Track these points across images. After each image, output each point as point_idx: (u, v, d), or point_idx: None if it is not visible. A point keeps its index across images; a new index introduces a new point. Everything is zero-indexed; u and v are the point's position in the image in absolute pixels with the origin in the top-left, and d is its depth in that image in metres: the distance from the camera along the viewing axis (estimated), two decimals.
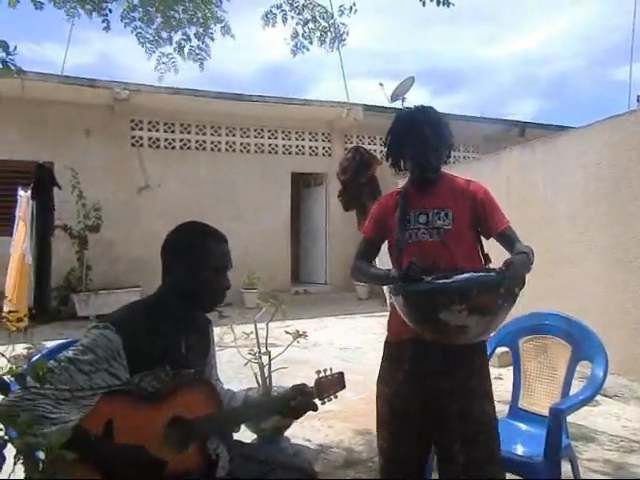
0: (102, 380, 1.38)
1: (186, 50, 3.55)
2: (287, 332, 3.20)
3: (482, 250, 1.99)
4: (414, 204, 1.96)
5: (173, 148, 8.95)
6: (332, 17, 3.70)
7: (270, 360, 3.10)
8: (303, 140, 9.89)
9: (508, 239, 1.90)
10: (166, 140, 8.89)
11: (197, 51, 3.55)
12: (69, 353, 1.40)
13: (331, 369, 1.78)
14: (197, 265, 1.55)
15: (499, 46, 30.80)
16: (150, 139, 8.77)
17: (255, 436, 2.96)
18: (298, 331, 3.19)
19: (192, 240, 1.58)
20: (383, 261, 2.05)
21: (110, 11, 3.22)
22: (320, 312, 7.90)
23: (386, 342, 2.04)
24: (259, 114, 9.13)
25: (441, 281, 1.66)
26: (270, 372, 3.11)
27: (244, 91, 8.83)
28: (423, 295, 1.65)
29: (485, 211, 1.92)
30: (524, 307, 1.80)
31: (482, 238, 2.00)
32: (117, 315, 1.52)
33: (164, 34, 3.43)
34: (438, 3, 2.93)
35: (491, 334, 1.76)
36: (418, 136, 1.91)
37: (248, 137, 9.47)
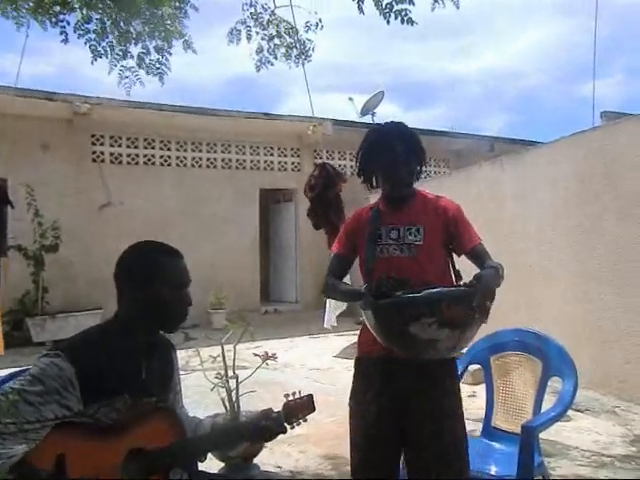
0: (52, 412, 1.33)
1: (146, 63, 3.54)
2: (256, 354, 3.17)
3: (454, 267, 2.02)
4: (386, 220, 1.99)
5: (136, 164, 8.85)
6: (297, 33, 3.75)
7: (238, 384, 3.07)
8: (272, 155, 9.92)
9: (479, 256, 1.94)
10: (129, 155, 8.79)
11: (157, 65, 3.54)
12: (16, 384, 1.35)
13: (300, 392, 1.78)
14: (151, 284, 1.52)
15: (468, 61, 31.68)
16: (112, 154, 8.66)
17: (222, 464, 2.91)
18: (267, 352, 3.17)
19: (142, 259, 1.56)
20: (355, 277, 2.07)
21: (68, 23, 3.19)
22: (290, 332, 7.86)
23: (356, 359, 2.06)
24: (226, 129, 9.13)
25: (411, 294, 1.68)
26: (238, 396, 3.07)
27: (212, 105, 8.87)
28: (393, 308, 1.67)
29: (457, 228, 1.96)
30: (495, 324, 1.84)
31: (454, 255, 2.03)
32: (70, 342, 1.47)
33: (120, 47, 3.41)
34: (402, 21, 3.01)
35: (462, 350, 1.79)
36: (389, 152, 1.94)
37: (215, 152, 9.45)
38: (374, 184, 2.06)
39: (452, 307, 1.61)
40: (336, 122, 9.42)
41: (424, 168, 2.10)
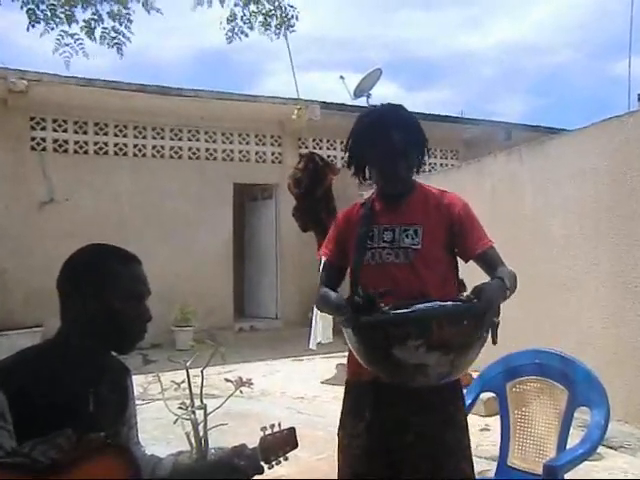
0: None
1: (98, 33, 3.52)
2: (228, 380, 3.18)
3: (457, 276, 2.04)
4: (379, 219, 2.00)
5: (85, 153, 8.79)
6: None
7: (206, 415, 3.07)
8: (248, 144, 9.91)
9: (489, 262, 1.95)
10: (76, 143, 8.73)
11: (112, 34, 3.52)
12: None
13: (279, 424, 1.77)
14: (102, 295, 1.51)
15: (481, 34, 31.93)
16: (56, 141, 8.59)
17: None
18: (241, 378, 3.18)
19: (93, 265, 1.55)
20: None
21: None
22: (270, 353, 7.86)
23: (346, 382, 2.08)
24: (194, 112, 9.11)
25: (398, 311, 1.70)
26: (206, 430, 3.07)
27: (177, 84, 8.84)
28: (375, 328, 1.69)
29: (462, 229, 1.97)
30: (511, 344, 1.85)
31: (460, 262, 2.05)
32: (2, 366, 1.45)
33: (64, 10, 3.37)
34: None
35: (458, 375, 1.81)
36: (384, 141, 1.95)
37: (180, 140, 9.41)
38: (366, 177, 2.08)
39: (444, 327, 1.61)
40: (325, 105, 9.44)
41: (428, 159, 2.12)
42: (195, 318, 8.40)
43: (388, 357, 1.65)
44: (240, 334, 9.31)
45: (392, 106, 2.05)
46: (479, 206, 2.10)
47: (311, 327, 6.82)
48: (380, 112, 2.05)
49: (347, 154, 2.10)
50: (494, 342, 1.69)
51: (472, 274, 2.03)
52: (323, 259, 2.19)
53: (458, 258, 2.05)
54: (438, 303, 1.72)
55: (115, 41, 3.56)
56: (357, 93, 10.57)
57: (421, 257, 1.93)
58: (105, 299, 1.51)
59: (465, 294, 1.78)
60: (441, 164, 10.91)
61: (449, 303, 1.74)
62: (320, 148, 10.13)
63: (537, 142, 5.89)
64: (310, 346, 6.78)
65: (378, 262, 1.96)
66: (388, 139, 1.95)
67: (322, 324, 6.50)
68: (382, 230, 1.98)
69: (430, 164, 10.33)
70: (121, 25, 3.55)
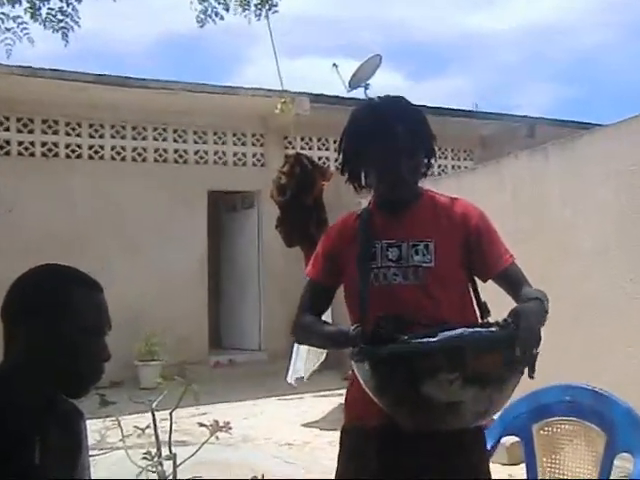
0: None
1: (43, 13, 3.53)
2: (202, 424, 3.17)
3: (478, 298, 2.03)
4: (381, 233, 1.99)
5: (32, 155, 8.81)
6: None
7: (175, 467, 3.05)
8: (224, 144, 9.94)
9: (512, 280, 1.95)
10: (21, 144, 8.75)
11: (59, 16, 3.54)
12: None
13: (263, 475, 1.77)
14: (56, 326, 1.50)
15: (499, 14, 32.23)
16: None
17: None
18: (218, 422, 3.17)
19: (46, 288, 1.54)
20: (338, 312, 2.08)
21: None
22: (252, 392, 7.84)
23: (343, 430, 2.05)
24: (160, 107, 9.14)
25: (423, 340, 1.68)
26: None
27: (140, 74, 8.87)
28: (398, 360, 1.67)
29: (481, 243, 1.98)
30: (537, 378, 1.83)
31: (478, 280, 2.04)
32: None
33: None
34: None
35: (494, 414, 1.82)
36: (385, 136, 1.94)
37: (144, 139, 9.44)
38: (362, 183, 2.07)
39: (481, 356, 1.61)
40: (315, 97, 9.50)
41: (436, 161, 2.12)
42: (163, 350, 8.38)
43: (415, 395, 1.63)
44: (216, 369, 9.30)
45: (392, 98, 2.05)
46: (498, 215, 2.11)
47: (290, 358, 6.78)
48: (378, 105, 2.05)
49: (340, 156, 2.09)
50: (531, 376, 1.68)
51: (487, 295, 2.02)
52: (307, 277, 2.16)
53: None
54: (466, 330, 1.69)
55: (61, 24, 3.57)
56: (353, 84, 10.63)
57: (434, 276, 1.92)
58: (59, 330, 1.50)
59: (500, 319, 1.75)
60: (453, 166, 10.97)
61: (478, 329, 1.73)
62: (310, 148, 10.18)
63: (566, 140, 5.93)
64: (288, 380, 6.74)
65: (383, 284, 1.94)
66: (389, 134, 1.93)
67: (307, 357, 6.45)
68: (386, 246, 1.97)
69: (440, 166, 10.40)
70: (69, 6, 3.57)
